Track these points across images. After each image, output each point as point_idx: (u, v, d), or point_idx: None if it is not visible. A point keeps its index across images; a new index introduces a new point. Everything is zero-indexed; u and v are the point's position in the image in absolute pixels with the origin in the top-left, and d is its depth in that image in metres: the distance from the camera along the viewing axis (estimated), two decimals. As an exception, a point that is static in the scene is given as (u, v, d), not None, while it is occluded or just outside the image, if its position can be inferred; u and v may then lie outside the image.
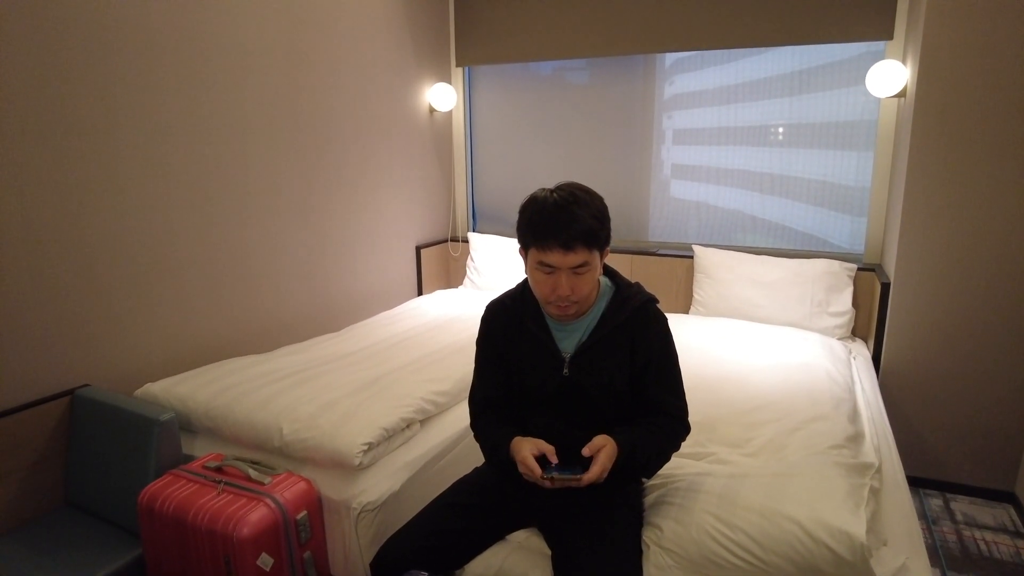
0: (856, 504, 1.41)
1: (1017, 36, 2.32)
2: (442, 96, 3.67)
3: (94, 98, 2.00)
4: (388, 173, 3.39)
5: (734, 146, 3.33)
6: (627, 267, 3.46)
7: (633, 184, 3.59)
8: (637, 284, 1.59)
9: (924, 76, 2.48)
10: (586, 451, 1.35)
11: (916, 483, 2.73)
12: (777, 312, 2.95)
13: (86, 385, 2.03)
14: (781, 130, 3.22)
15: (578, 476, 1.31)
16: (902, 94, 2.77)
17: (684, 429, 1.55)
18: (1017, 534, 2.40)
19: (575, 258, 1.34)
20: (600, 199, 1.42)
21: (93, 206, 2.03)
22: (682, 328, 2.86)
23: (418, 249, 3.69)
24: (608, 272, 1.59)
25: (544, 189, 1.42)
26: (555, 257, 1.35)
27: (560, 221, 1.34)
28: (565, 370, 1.49)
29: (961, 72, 2.41)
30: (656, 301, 1.57)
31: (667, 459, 1.54)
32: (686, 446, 1.74)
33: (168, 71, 2.22)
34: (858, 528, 1.30)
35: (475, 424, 1.61)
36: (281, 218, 2.75)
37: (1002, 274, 2.48)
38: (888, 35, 2.88)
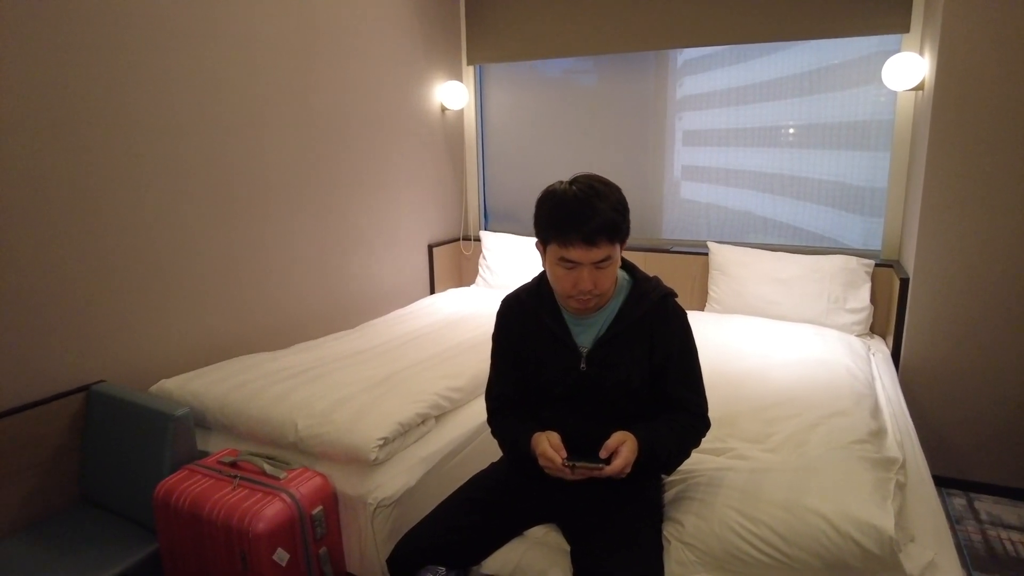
0: (883, 497, 1.38)
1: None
2: (453, 94, 3.66)
3: (110, 97, 2.01)
4: (400, 171, 3.39)
5: (745, 147, 3.30)
6: (641, 264, 3.40)
7: (646, 182, 3.57)
8: (655, 278, 1.57)
9: (943, 67, 2.44)
10: (603, 452, 1.32)
11: (938, 482, 2.66)
12: (794, 309, 2.91)
13: (102, 381, 2.03)
14: (792, 131, 3.18)
15: (600, 465, 1.29)
16: (920, 87, 2.73)
17: (704, 425, 1.53)
18: (1043, 534, 2.35)
19: (598, 253, 1.32)
20: (618, 190, 1.40)
21: (109, 204, 2.03)
22: (699, 325, 2.79)
23: (430, 248, 3.68)
24: (626, 266, 1.57)
25: (561, 182, 1.39)
26: (577, 252, 1.32)
27: (581, 216, 1.31)
28: (582, 365, 1.46)
29: (980, 62, 2.37)
30: (675, 295, 1.55)
31: (687, 455, 1.51)
32: (706, 442, 1.71)
33: (183, 70, 2.22)
34: (886, 521, 1.27)
35: (492, 420, 1.59)
36: (294, 216, 2.75)
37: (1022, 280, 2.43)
38: (904, 28, 2.84)
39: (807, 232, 3.23)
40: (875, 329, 2.99)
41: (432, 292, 3.72)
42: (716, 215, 3.43)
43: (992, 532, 2.36)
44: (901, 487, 1.56)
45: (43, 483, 1.90)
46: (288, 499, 1.62)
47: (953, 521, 2.43)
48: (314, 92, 2.78)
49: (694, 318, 2.88)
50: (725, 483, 1.51)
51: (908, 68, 2.68)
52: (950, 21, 2.39)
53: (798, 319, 2.89)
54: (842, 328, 2.82)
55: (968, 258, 2.51)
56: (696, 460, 1.65)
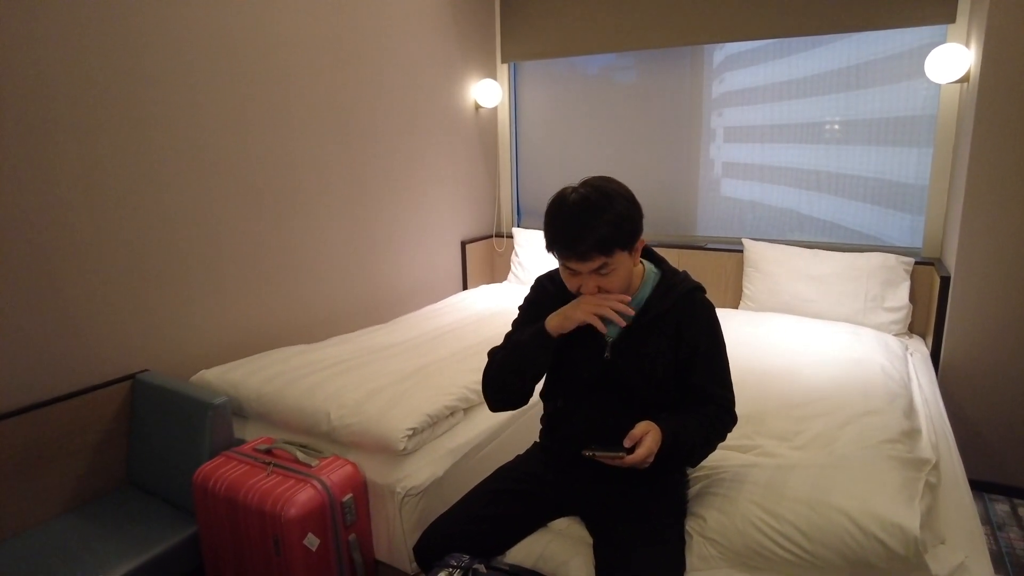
0: (910, 497, 1.36)
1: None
2: (488, 92, 3.69)
3: (147, 98, 2.09)
4: (434, 169, 3.44)
5: (786, 144, 3.25)
6: (675, 261, 3.38)
7: (681, 180, 3.53)
8: (684, 272, 1.57)
9: (989, 58, 2.36)
10: (627, 441, 1.33)
11: (980, 487, 2.60)
12: (829, 307, 2.86)
13: (146, 370, 2.13)
14: (837, 127, 3.12)
15: (621, 454, 1.29)
16: (965, 79, 2.65)
17: (731, 419, 1.52)
18: (1091, 542, 2.26)
19: (592, 264, 1.34)
20: (623, 197, 1.37)
21: (153, 202, 2.12)
22: (732, 322, 2.81)
23: (463, 244, 3.73)
24: (655, 259, 1.58)
25: (569, 187, 1.40)
26: (574, 264, 1.36)
27: (572, 233, 1.33)
28: (607, 353, 1.47)
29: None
30: (703, 290, 1.54)
31: (712, 449, 1.51)
32: (732, 438, 1.70)
33: (220, 69, 2.30)
34: (911, 521, 1.25)
35: (489, 363, 1.55)
36: (330, 213, 2.82)
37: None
38: (951, 18, 2.76)
39: (848, 229, 3.17)
40: (914, 329, 2.91)
41: (465, 288, 3.76)
42: (754, 212, 3.39)
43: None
44: (932, 488, 1.52)
45: (92, 466, 2.00)
46: (319, 486, 1.67)
47: (995, 527, 2.36)
48: (347, 90, 2.85)
49: (728, 316, 2.91)
50: (749, 479, 1.51)
51: (953, 60, 2.60)
52: (996, 10, 2.31)
53: (834, 317, 2.84)
54: (880, 327, 2.76)
55: (1012, 257, 2.43)
56: (721, 456, 1.65)
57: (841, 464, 1.52)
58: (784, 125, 3.24)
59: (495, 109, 3.93)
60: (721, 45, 3.32)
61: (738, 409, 1.53)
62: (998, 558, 2.18)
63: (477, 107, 3.75)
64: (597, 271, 1.36)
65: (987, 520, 2.40)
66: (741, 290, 3.20)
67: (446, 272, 3.62)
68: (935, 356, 2.66)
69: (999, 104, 2.37)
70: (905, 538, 1.23)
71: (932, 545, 1.36)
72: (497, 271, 4.03)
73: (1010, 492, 2.57)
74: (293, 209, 2.64)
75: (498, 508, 1.52)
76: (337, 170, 2.84)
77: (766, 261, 3.09)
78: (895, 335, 2.76)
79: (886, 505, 1.31)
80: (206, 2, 2.22)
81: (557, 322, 1.43)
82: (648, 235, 3.58)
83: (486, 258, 3.96)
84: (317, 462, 1.75)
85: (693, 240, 3.54)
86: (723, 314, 2.94)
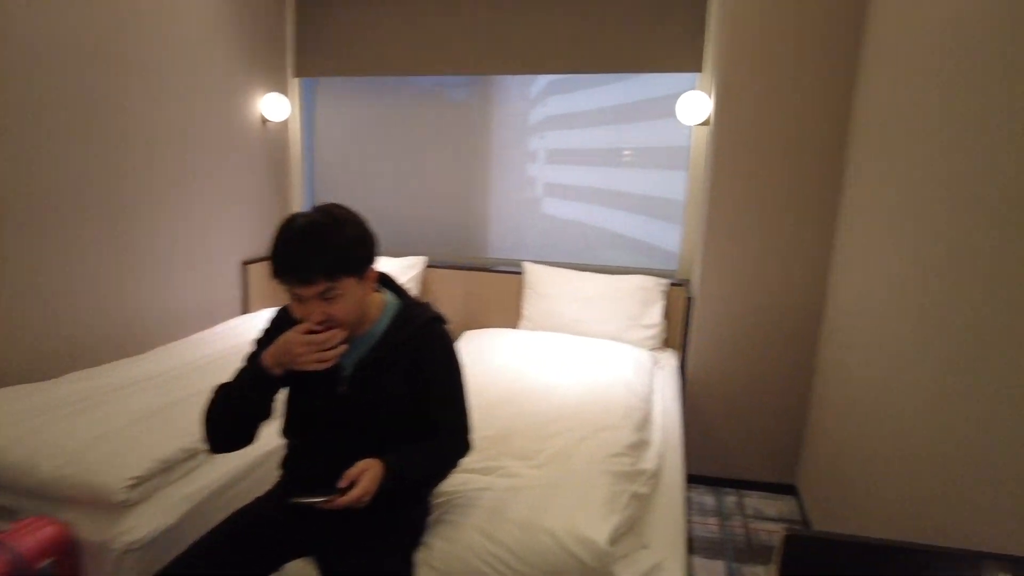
0: (610, 512, 1.50)
1: (786, 82, 2.60)
2: (275, 106, 3.54)
3: None
4: (212, 182, 3.21)
5: (582, 166, 3.54)
6: (462, 283, 3.51)
7: (473, 201, 3.65)
8: (426, 303, 1.60)
9: (719, 108, 2.72)
10: (343, 482, 1.31)
11: (717, 483, 2.96)
12: (596, 326, 3.10)
13: None
14: (627, 152, 3.45)
15: (326, 499, 1.28)
16: (707, 123, 3.02)
17: (465, 448, 1.56)
18: (795, 522, 2.66)
19: (316, 288, 1.32)
20: (353, 223, 1.38)
21: None
22: (504, 342, 2.94)
23: (244, 264, 3.52)
24: (395, 289, 1.59)
25: (300, 213, 1.38)
26: (298, 289, 1.34)
27: (297, 257, 1.32)
28: (343, 387, 1.46)
29: (750, 107, 2.66)
30: (443, 320, 1.59)
31: (443, 478, 1.55)
32: (476, 461, 1.77)
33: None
34: (601, 535, 1.38)
35: (210, 401, 1.44)
36: (84, 227, 2.52)
37: (783, 290, 2.75)
38: (699, 67, 3.16)
39: (635, 240, 3.49)
40: (670, 343, 3.25)
41: (246, 311, 3.55)
42: (545, 233, 3.60)
43: (754, 525, 2.64)
44: (640, 498, 1.69)
45: None
46: (6, 555, 1.47)
47: (724, 519, 2.69)
48: (103, 91, 2.56)
49: (504, 336, 3.03)
50: (479, 503, 1.57)
51: (695, 106, 2.97)
52: (726, 65, 2.67)
53: (600, 335, 3.08)
54: (637, 343, 3.05)
55: (742, 279, 2.80)
56: (461, 481, 1.70)
57: (562, 483, 1.64)
58: (577, 150, 3.54)
59: (285, 124, 3.77)
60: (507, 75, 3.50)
61: (488, 430, 1.60)
62: (722, 546, 2.48)
63: (264, 121, 3.58)
64: (322, 296, 1.34)
65: (718, 512, 2.73)
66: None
67: (224, 295, 3.39)
68: (684, 367, 2.99)
69: (729, 149, 2.72)
70: (596, 551, 1.36)
71: (635, 551, 1.51)
72: (283, 294, 3.85)
73: (738, 485, 2.95)
74: (33, 222, 2.31)
75: (230, 554, 1.44)
76: (93, 177, 2.55)
77: (542, 283, 3.28)
78: (651, 350, 3.05)
79: (585, 521, 1.43)
80: None
81: (272, 362, 1.38)
82: (439, 256, 3.68)
83: (272, 280, 3.77)
84: (8, 526, 1.54)
85: (483, 262, 3.66)
86: (500, 334, 3.10)
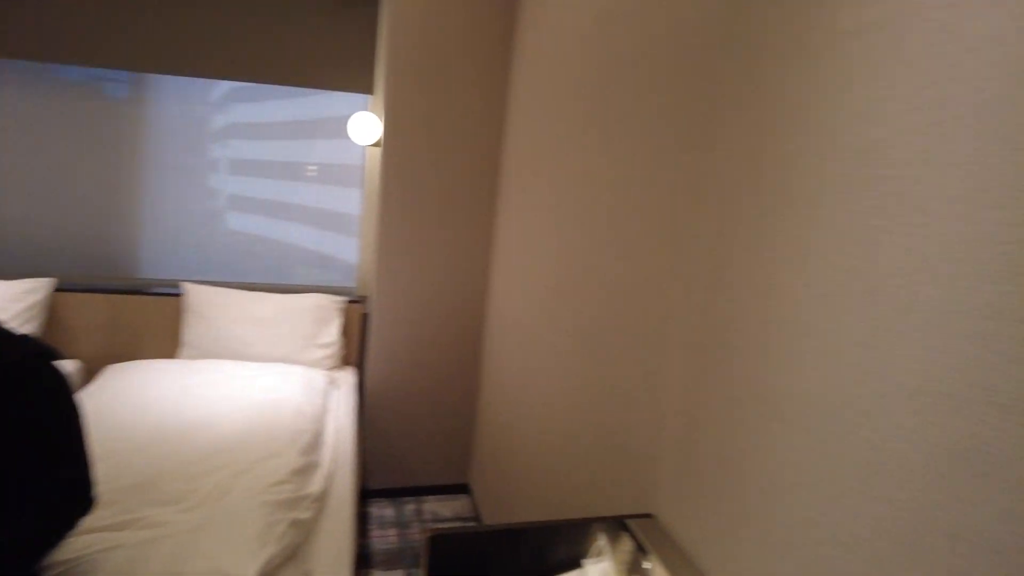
0: (262, 545, 1.42)
1: (448, 105, 2.82)
2: None
3: None
4: None
5: (267, 179, 3.36)
6: (106, 309, 3.00)
7: (129, 212, 3.15)
8: (24, 336, 1.31)
9: (388, 129, 2.81)
10: None
11: (399, 494, 3.04)
12: (268, 348, 2.94)
13: None
14: (312, 168, 3.35)
15: None
16: (379, 144, 3.10)
17: (84, 505, 1.32)
18: (469, 519, 2.86)
19: None
20: None
21: None
22: (153, 376, 2.60)
23: None
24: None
25: None
26: None
27: None
28: None
29: (415, 127, 2.80)
30: (50, 356, 1.32)
31: (54, 546, 1.29)
32: (104, 517, 1.53)
33: None
34: (249, 572, 1.30)
35: None
36: None
37: (451, 296, 2.96)
38: (370, 90, 3.21)
39: (325, 259, 3.40)
40: (349, 360, 3.24)
41: None
42: (225, 249, 3.29)
43: (433, 528, 2.76)
44: (303, 524, 1.64)
45: None
46: None
47: (403, 527, 2.77)
48: None
49: (158, 368, 2.68)
50: (103, 568, 1.35)
51: (367, 127, 3.01)
52: (390, 93, 2.77)
53: (272, 358, 2.92)
54: (314, 363, 2.97)
55: (413, 292, 2.92)
56: (83, 544, 1.44)
57: (211, 523, 1.50)
58: (265, 162, 3.34)
59: None
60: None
61: (125, 479, 1.38)
62: (399, 556, 2.55)
63: None
64: None
65: (397, 523, 2.80)
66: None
67: None
68: (363, 384, 3.00)
69: (396, 171, 2.82)
70: (243, 589, 1.27)
71: (294, 580, 1.45)
72: None
73: (418, 492, 3.08)
74: None
75: None
76: None
77: (208, 305, 2.99)
78: (329, 369, 3.00)
79: (233, 560, 1.34)
80: None
81: None
82: (76, 277, 3.09)
83: None
84: None
85: (135, 284, 3.19)
86: (153, 366, 2.73)
